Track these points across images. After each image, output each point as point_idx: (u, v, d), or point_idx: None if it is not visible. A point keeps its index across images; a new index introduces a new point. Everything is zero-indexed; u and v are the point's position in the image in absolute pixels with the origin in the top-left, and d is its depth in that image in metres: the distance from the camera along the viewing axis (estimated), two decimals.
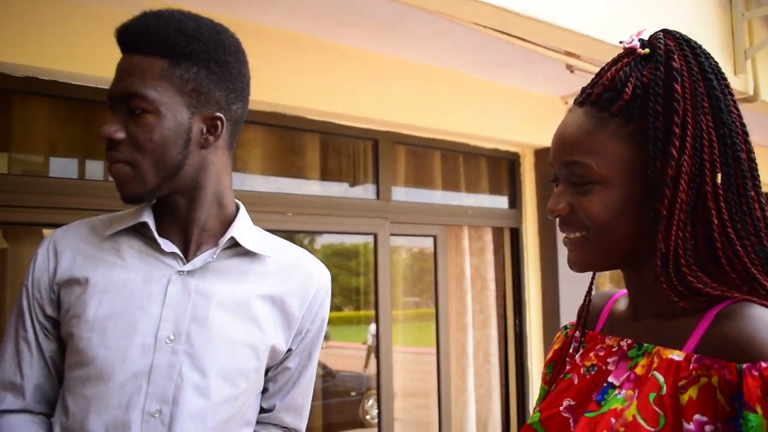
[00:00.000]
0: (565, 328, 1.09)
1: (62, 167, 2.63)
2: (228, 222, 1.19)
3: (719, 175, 0.81)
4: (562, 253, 3.43)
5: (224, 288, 1.13)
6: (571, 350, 1.01)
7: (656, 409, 0.77)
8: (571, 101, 0.86)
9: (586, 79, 0.98)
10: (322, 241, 4.24)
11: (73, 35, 2.32)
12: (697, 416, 0.73)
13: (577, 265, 0.93)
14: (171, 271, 1.11)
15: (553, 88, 3.68)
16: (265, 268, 1.19)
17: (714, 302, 0.80)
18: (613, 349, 0.91)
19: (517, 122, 3.62)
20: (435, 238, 3.53)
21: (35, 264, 1.14)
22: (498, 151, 3.86)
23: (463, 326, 3.82)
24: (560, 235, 0.96)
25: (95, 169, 2.66)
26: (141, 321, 1.07)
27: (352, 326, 4.83)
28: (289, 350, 1.22)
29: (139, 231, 1.14)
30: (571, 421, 0.88)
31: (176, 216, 1.16)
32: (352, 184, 3.36)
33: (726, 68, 3.29)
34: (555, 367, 1.04)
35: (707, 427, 0.73)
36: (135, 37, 1.08)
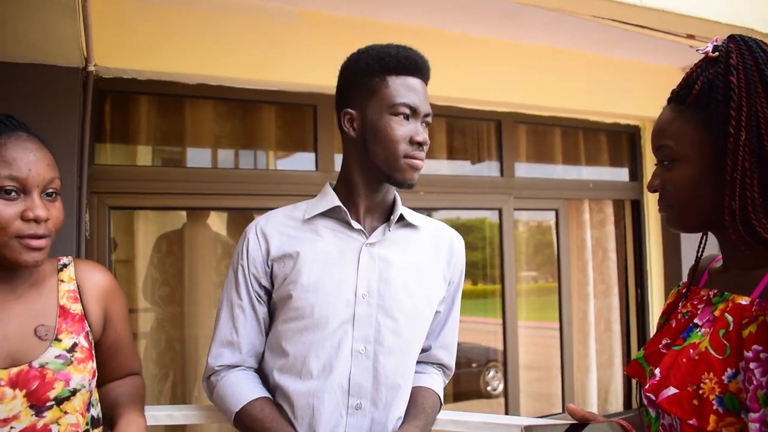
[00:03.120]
0: (678, 285, 1.30)
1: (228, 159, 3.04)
2: (389, 203, 1.50)
3: None
4: None
5: (399, 253, 1.45)
6: (679, 303, 1.23)
7: (724, 342, 0.99)
8: None
9: None
10: (449, 215, 4.46)
11: (234, 45, 2.68)
12: (755, 346, 0.94)
13: (672, 226, 1.16)
14: (359, 243, 1.43)
15: (674, 59, 3.70)
16: (422, 237, 1.51)
17: None
18: (704, 298, 1.13)
19: (637, 95, 3.68)
20: (557, 211, 3.69)
21: (248, 246, 1.46)
22: (618, 125, 3.94)
23: (585, 296, 3.97)
24: None
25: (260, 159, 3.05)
26: (343, 282, 1.39)
27: (473, 300, 5.03)
28: (443, 297, 1.53)
29: (328, 214, 1.45)
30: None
31: (359, 199, 1.46)
32: (477, 163, 3.59)
33: None
34: (666, 316, 1.25)
35: (762, 354, 0.93)
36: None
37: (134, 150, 2.89)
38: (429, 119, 1.45)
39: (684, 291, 1.24)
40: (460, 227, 4.53)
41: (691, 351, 1.02)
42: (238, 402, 1.38)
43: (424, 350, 1.55)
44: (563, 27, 3.09)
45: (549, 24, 3.05)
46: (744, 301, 1.00)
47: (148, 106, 2.83)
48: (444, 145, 3.46)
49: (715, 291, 1.10)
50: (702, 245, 1.28)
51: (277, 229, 1.46)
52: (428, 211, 3.65)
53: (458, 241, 1.58)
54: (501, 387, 4.22)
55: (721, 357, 0.97)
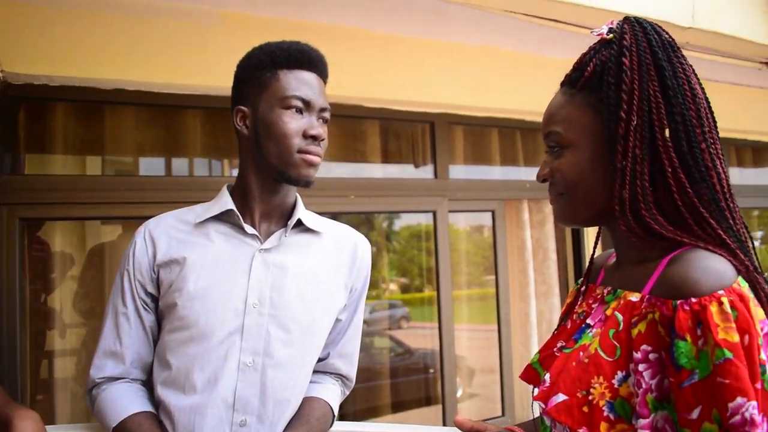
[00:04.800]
0: (577, 283, 1.25)
1: (149, 166, 2.93)
2: (289, 206, 1.44)
3: (667, 131, 0.97)
4: None
5: (295, 260, 1.39)
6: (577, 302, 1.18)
7: (614, 342, 0.93)
8: None
9: None
10: (400, 223, 4.42)
11: (154, 49, 2.59)
12: (643, 346, 0.89)
13: (560, 220, 1.11)
14: (253, 249, 1.36)
15: None
16: (323, 242, 1.45)
17: (671, 249, 0.95)
18: (598, 296, 1.08)
19: None
20: (493, 212, 3.67)
21: (135, 250, 1.38)
22: None
23: (526, 297, 3.96)
24: None
25: (180, 166, 2.95)
26: (233, 291, 1.32)
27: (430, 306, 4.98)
28: (344, 305, 1.48)
29: (221, 218, 1.39)
30: None
31: (254, 202, 1.40)
32: (411, 165, 3.55)
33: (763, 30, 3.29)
34: (565, 317, 1.21)
35: (651, 355, 0.88)
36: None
37: (50, 159, 2.76)
38: (326, 115, 1.39)
39: (582, 289, 1.20)
40: (421, 234, 4.57)
41: (581, 354, 0.97)
42: (116, 416, 1.30)
43: (322, 359, 1.49)
44: (495, 26, 3.06)
45: (480, 22, 3.01)
46: (634, 297, 0.95)
47: (65, 113, 2.71)
48: (377, 148, 3.41)
49: (609, 288, 1.06)
50: (598, 239, 1.25)
51: (166, 233, 1.38)
52: (360, 215, 3.61)
53: (363, 246, 1.52)
54: (461, 392, 4.22)
55: (611, 359, 0.92)
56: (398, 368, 4.37)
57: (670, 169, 0.96)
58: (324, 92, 1.40)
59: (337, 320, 1.48)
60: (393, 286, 4.57)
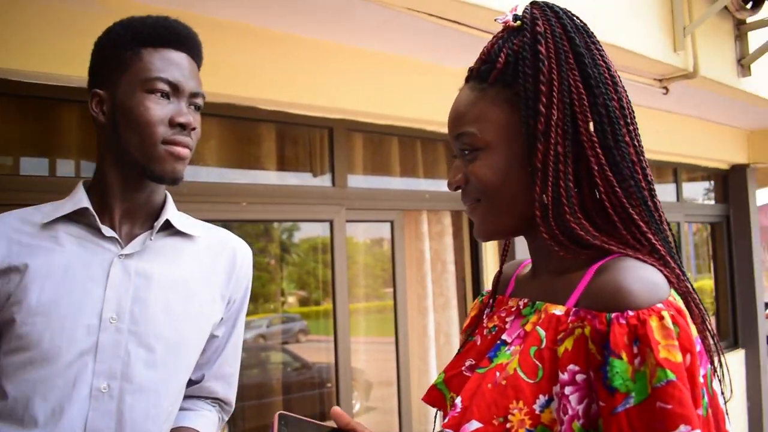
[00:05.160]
0: (481, 295, 1.15)
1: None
2: (157, 206, 1.26)
3: (591, 124, 0.87)
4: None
5: (162, 268, 1.20)
6: (484, 315, 1.07)
7: (536, 361, 0.81)
8: None
9: None
10: (300, 235, 4.27)
11: (38, 36, 2.33)
12: (570, 366, 0.77)
13: (480, 234, 0.99)
14: (111, 254, 1.17)
15: None
16: (197, 248, 1.27)
17: (598, 257, 0.85)
18: (512, 309, 0.96)
19: None
20: (392, 223, 3.58)
21: None
22: None
23: (424, 309, 3.89)
24: None
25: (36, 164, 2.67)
26: (85, 303, 1.12)
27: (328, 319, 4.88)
28: (221, 320, 1.30)
29: (74, 218, 1.18)
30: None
31: (114, 200, 1.21)
32: (308, 172, 3.40)
33: (666, 45, 3.40)
34: (470, 332, 1.09)
35: (578, 376, 0.76)
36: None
37: None
38: (199, 101, 1.22)
39: (489, 301, 1.10)
40: (322, 246, 4.44)
41: (498, 374, 0.83)
42: None
43: (195, 382, 1.31)
44: (399, 32, 2.98)
45: (384, 27, 2.92)
46: (558, 311, 0.83)
47: None
48: (273, 153, 3.24)
49: (526, 300, 0.94)
50: (506, 249, 1.15)
51: (6, 235, 1.16)
52: (254, 223, 3.42)
53: (243, 252, 1.35)
54: (358, 406, 4.10)
55: (532, 381, 0.79)
56: (294, 383, 4.21)
57: (596, 167, 0.87)
58: (196, 76, 1.23)
59: (213, 337, 1.31)
60: (291, 299, 4.45)
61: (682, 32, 3.35)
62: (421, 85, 3.42)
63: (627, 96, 0.93)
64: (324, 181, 3.36)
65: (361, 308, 4.01)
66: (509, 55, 0.92)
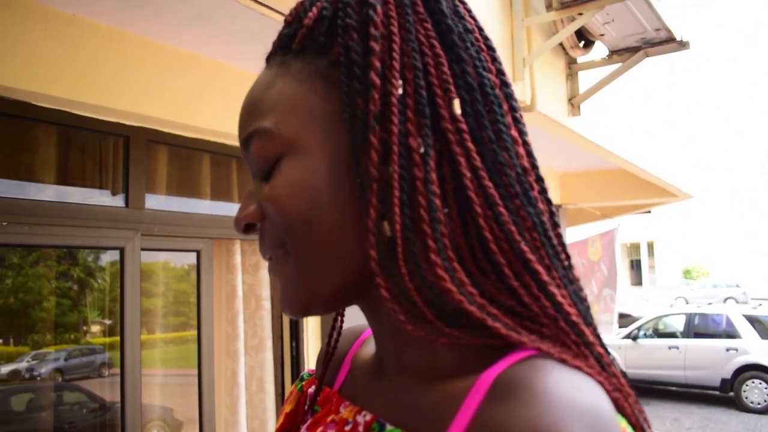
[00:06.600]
0: (301, 380, 0.76)
1: None
2: None
3: (456, 102, 0.52)
4: None
5: None
6: (304, 418, 0.69)
7: None
8: None
9: None
10: (108, 258, 3.78)
11: None
12: None
13: (288, 305, 0.59)
14: None
15: None
16: None
17: (490, 355, 0.49)
18: (347, 427, 0.58)
19: None
20: (198, 252, 3.08)
21: None
22: None
23: (235, 352, 3.41)
24: None
25: None
26: None
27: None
28: None
29: None
30: None
31: None
32: (96, 189, 2.82)
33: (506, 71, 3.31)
34: None
35: None
36: None
37: None
38: None
39: (312, 394, 0.71)
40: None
41: None
42: None
43: None
44: (205, 28, 2.55)
45: (196, 24, 2.48)
46: None
47: None
48: (50, 162, 2.63)
49: (369, 418, 0.56)
50: (337, 326, 0.75)
51: None
52: (17, 248, 2.77)
53: None
54: None
55: None
56: (89, 428, 3.53)
57: (467, 172, 0.51)
58: None
59: None
60: (95, 329, 3.91)
61: (521, 63, 3.23)
62: (240, 95, 2.99)
63: (502, 68, 0.59)
64: (116, 200, 2.79)
65: (176, 338, 3.63)
66: (324, 8, 0.56)
